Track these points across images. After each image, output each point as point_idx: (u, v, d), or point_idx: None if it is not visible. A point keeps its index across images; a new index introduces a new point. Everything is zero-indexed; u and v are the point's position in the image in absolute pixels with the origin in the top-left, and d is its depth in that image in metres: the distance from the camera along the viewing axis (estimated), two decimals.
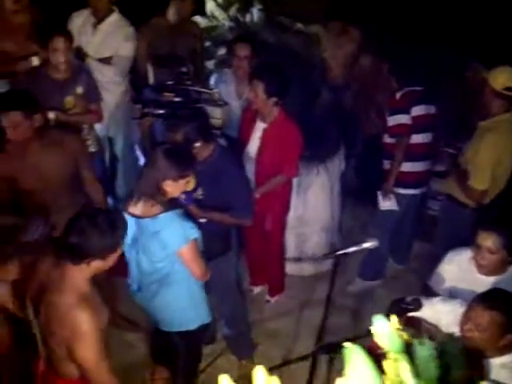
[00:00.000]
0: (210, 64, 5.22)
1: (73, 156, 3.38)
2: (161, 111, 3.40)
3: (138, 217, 2.88)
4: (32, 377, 2.68)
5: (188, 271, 2.95)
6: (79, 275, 2.34)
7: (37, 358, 2.59)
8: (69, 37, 3.78)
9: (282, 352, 3.85)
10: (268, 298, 4.38)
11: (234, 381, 2.79)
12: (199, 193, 3.15)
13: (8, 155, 3.26)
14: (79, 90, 3.91)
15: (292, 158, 3.78)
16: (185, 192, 3.04)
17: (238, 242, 3.88)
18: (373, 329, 1.62)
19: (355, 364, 0.87)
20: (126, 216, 2.88)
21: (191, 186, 2.98)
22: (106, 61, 4.33)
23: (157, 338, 3.47)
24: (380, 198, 4.12)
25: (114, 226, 2.34)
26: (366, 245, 2.60)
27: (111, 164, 4.82)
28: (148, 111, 3.44)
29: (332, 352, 2.37)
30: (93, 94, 4.02)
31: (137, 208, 2.89)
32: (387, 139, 4.09)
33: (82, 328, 2.27)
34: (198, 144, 3.11)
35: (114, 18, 4.35)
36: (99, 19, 4.35)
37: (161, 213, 2.83)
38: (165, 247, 2.85)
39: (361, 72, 4.90)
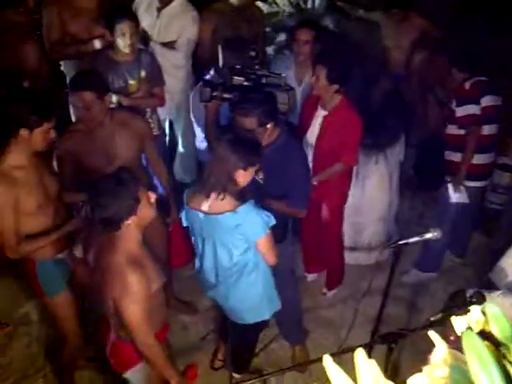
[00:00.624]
0: (269, 50, 5.22)
1: (139, 138, 3.43)
2: (230, 95, 3.39)
3: (211, 213, 2.85)
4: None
5: (261, 259, 2.98)
6: (127, 236, 2.43)
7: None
8: (135, 20, 3.78)
9: (334, 340, 3.85)
10: (325, 290, 4.34)
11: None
12: (259, 177, 3.15)
13: (78, 136, 3.31)
14: (143, 73, 3.91)
15: (351, 146, 3.71)
16: None
17: (294, 230, 3.88)
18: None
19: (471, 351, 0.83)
20: (192, 211, 2.93)
21: (260, 173, 2.98)
22: (169, 45, 4.34)
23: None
24: (450, 190, 4.01)
25: (123, 181, 2.38)
26: (429, 235, 2.55)
27: (169, 147, 4.89)
28: (217, 94, 3.42)
29: (391, 342, 2.34)
30: (156, 77, 4.02)
31: (207, 204, 2.85)
32: (453, 130, 3.98)
33: (129, 288, 2.36)
34: (268, 126, 3.12)
35: (179, 1, 4.35)
36: (164, 3, 4.36)
37: (238, 206, 2.81)
38: (247, 239, 2.87)
39: (420, 61, 4.80)
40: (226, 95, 3.40)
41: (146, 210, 2.46)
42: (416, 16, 4.90)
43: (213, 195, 2.81)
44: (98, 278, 2.54)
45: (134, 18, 3.78)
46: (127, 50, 3.79)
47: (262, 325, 3.28)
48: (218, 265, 3.00)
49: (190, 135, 4.71)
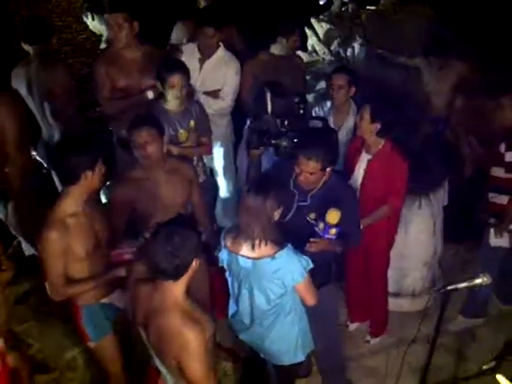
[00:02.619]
0: (309, 97, 5.31)
1: (188, 184, 3.52)
2: (280, 141, 3.48)
3: (250, 257, 2.89)
4: None
5: (298, 301, 2.99)
6: (176, 291, 2.45)
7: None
8: (186, 72, 3.82)
9: None
10: (368, 338, 4.27)
11: None
12: (312, 216, 3.18)
13: (133, 182, 3.37)
14: (192, 122, 3.97)
15: (397, 190, 3.70)
16: (324, 224, 3.08)
17: (338, 276, 3.86)
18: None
19: None
20: (230, 254, 2.97)
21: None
22: (213, 94, 4.44)
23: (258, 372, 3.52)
24: (491, 234, 3.96)
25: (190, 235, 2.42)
26: (478, 280, 2.50)
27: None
28: (266, 141, 3.51)
29: None
30: (204, 126, 4.08)
31: (246, 248, 2.89)
32: (500, 173, 3.90)
33: (191, 345, 2.37)
34: (328, 170, 3.17)
35: (221, 53, 4.46)
36: (206, 56, 4.45)
37: (277, 251, 2.85)
38: (285, 285, 2.89)
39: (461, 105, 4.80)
40: (274, 141, 3.49)
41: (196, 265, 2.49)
42: (456, 61, 4.92)
43: (253, 241, 2.85)
44: (153, 338, 2.54)
45: (185, 71, 3.82)
46: (177, 102, 3.85)
47: (297, 367, 3.24)
48: (254, 308, 3.01)
49: (232, 181, 4.78)
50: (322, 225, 3.08)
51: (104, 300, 3.14)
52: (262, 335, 3.08)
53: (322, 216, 3.10)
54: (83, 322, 3.12)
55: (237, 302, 3.09)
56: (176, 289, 2.45)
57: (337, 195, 3.21)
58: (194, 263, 2.45)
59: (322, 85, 5.47)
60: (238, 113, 4.69)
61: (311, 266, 2.89)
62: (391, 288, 4.33)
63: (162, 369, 2.62)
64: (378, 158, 3.69)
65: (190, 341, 2.36)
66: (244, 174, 4.14)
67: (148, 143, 3.25)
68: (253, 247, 2.85)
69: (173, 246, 2.36)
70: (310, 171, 3.12)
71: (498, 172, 3.93)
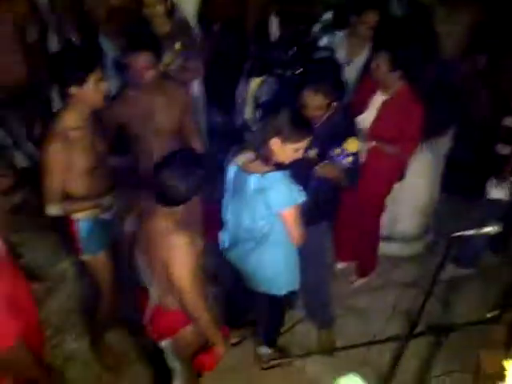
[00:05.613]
0: (317, 27, 5.10)
1: (182, 107, 3.42)
2: (286, 70, 3.34)
3: (243, 170, 2.87)
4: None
5: (286, 234, 2.93)
6: (172, 217, 2.48)
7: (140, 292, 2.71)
8: None
9: (360, 329, 3.78)
10: (354, 278, 4.26)
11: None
12: (313, 152, 3.07)
13: (126, 100, 3.31)
14: (177, 45, 3.85)
15: (411, 135, 3.55)
16: (342, 151, 3.00)
17: (328, 216, 3.80)
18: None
19: None
20: (231, 167, 2.93)
21: (299, 155, 2.88)
22: None
23: (239, 297, 3.53)
24: (492, 185, 3.90)
25: (191, 168, 2.42)
26: (487, 229, 2.41)
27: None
28: (269, 70, 3.38)
29: (442, 334, 2.26)
30: (191, 50, 3.95)
31: (244, 161, 2.87)
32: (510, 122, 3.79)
33: (178, 251, 2.41)
34: (334, 104, 3.05)
35: None
36: None
37: (270, 171, 2.80)
38: (268, 206, 2.83)
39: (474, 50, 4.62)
40: (278, 70, 3.36)
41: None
42: (473, 3, 4.70)
43: (247, 154, 2.83)
44: (143, 244, 2.55)
45: None
46: (160, 20, 3.70)
47: (280, 300, 3.24)
48: (239, 225, 3.00)
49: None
50: (338, 150, 2.99)
51: (102, 216, 3.08)
52: (245, 256, 3.06)
53: (323, 152, 3.01)
54: (78, 235, 3.07)
55: (227, 214, 3.07)
56: (172, 214, 2.47)
57: (340, 133, 3.10)
58: (194, 198, 2.47)
59: (329, 15, 5.25)
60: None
61: (302, 199, 2.83)
62: (382, 231, 4.29)
63: (150, 287, 2.61)
64: (395, 99, 3.53)
65: (178, 246, 2.41)
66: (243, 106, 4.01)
67: (144, 68, 3.15)
68: (249, 161, 2.83)
69: (178, 175, 2.38)
70: (316, 105, 3.00)
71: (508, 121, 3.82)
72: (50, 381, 2.37)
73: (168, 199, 2.43)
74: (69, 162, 2.80)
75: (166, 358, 2.86)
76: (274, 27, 3.70)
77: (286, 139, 2.75)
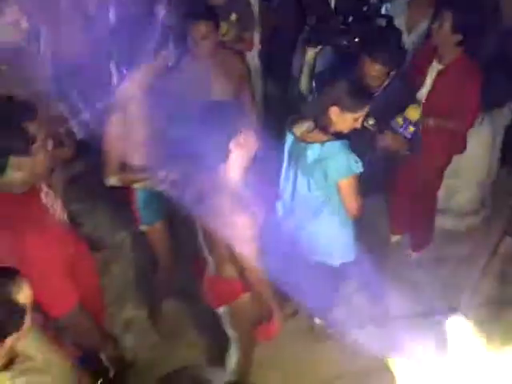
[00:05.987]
0: None
1: (238, 77, 3.40)
2: (342, 39, 3.28)
3: (302, 140, 2.86)
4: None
5: (343, 205, 2.90)
6: (228, 174, 2.46)
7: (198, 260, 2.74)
8: None
9: (413, 302, 3.70)
10: (410, 251, 4.19)
11: None
12: (370, 122, 3.03)
13: (183, 68, 3.29)
14: (233, 16, 3.83)
15: (470, 107, 3.42)
16: (404, 120, 2.93)
17: (383, 187, 3.75)
18: None
19: None
20: (290, 135, 2.91)
21: (358, 124, 2.83)
22: None
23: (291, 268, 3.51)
24: None
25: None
26: None
27: None
28: (326, 38, 3.32)
29: None
30: (247, 21, 3.93)
31: (302, 130, 2.85)
32: None
33: (241, 228, 2.38)
34: (392, 73, 2.99)
35: None
36: None
37: (328, 140, 2.78)
38: (326, 176, 2.81)
39: None
40: (335, 39, 3.30)
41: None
42: None
43: (306, 123, 2.80)
44: (202, 217, 2.54)
45: None
46: None
47: (334, 270, 3.20)
48: (296, 192, 2.99)
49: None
50: (400, 120, 2.94)
51: (157, 187, 3.09)
52: (300, 226, 3.06)
53: (381, 121, 2.96)
54: (136, 205, 3.13)
55: (284, 183, 3.07)
56: (228, 172, 2.45)
57: (400, 101, 3.04)
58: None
59: None
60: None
61: (360, 170, 2.79)
62: (439, 205, 4.21)
63: (209, 256, 2.64)
64: (452, 69, 3.40)
65: (241, 224, 2.38)
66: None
67: (203, 38, 3.14)
68: (307, 130, 2.80)
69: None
70: (374, 74, 2.94)
71: None
72: (108, 347, 2.41)
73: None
74: (127, 133, 2.83)
75: (223, 325, 2.89)
76: None
77: (345, 108, 2.72)
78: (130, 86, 2.85)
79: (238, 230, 2.40)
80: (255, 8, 4.12)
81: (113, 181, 2.94)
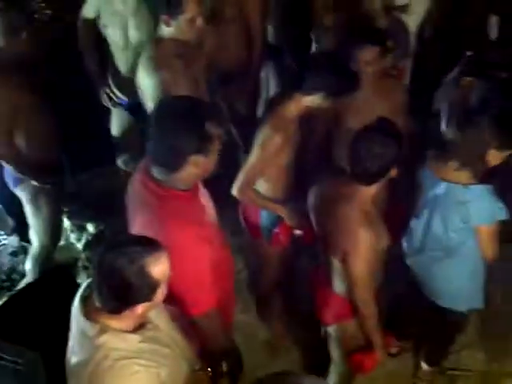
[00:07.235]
0: None
1: (396, 106, 3.17)
2: (501, 71, 3.14)
3: (442, 178, 2.76)
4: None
5: (478, 249, 2.80)
6: (367, 193, 2.48)
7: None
8: None
9: None
10: None
11: None
12: None
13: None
14: (389, 43, 3.69)
15: None
16: None
17: None
18: None
19: None
20: (429, 174, 2.84)
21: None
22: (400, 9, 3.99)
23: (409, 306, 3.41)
24: None
25: (387, 144, 2.38)
26: None
27: None
28: (484, 71, 3.17)
29: None
30: (404, 49, 3.81)
31: (445, 169, 2.75)
32: None
33: (360, 245, 2.39)
34: None
35: None
36: None
37: (473, 183, 2.67)
38: (467, 220, 2.71)
39: None
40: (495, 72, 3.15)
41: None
42: None
43: (450, 161, 2.70)
44: (324, 228, 2.59)
45: None
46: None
47: (458, 316, 3.08)
48: (428, 234, 2.89)
49: None
50: None
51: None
52: (429, 266, 2.97)
53: None
54: (261, 220, 3.11)
55: (416, 220, 2.98)
56: (366, 194, 2.47)
57: None
58: (392, 171, 2.44)
59: None
60: None
61: (503, 217, 2.68)
62: None
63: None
64: None
65: (363, 241, 2.39)
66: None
67: (368, 62, 3.03)
68: (451, 169, 2.70)
69: (377, 150, 2.35)
70: None
71: None
72: (230, 357, 2.37)
73: (361, 172, 2.40)
74: (278, 150, 2.81)
75: (329, 344, 2.87)
76: (493, 26, 3.45)
77: (505, 148, 2.64)
78: (295, 107, 2.86)
79: (359, 251, 2.41)
80: (411, 37, 4.01)
81: (239, 194, 2.93)
